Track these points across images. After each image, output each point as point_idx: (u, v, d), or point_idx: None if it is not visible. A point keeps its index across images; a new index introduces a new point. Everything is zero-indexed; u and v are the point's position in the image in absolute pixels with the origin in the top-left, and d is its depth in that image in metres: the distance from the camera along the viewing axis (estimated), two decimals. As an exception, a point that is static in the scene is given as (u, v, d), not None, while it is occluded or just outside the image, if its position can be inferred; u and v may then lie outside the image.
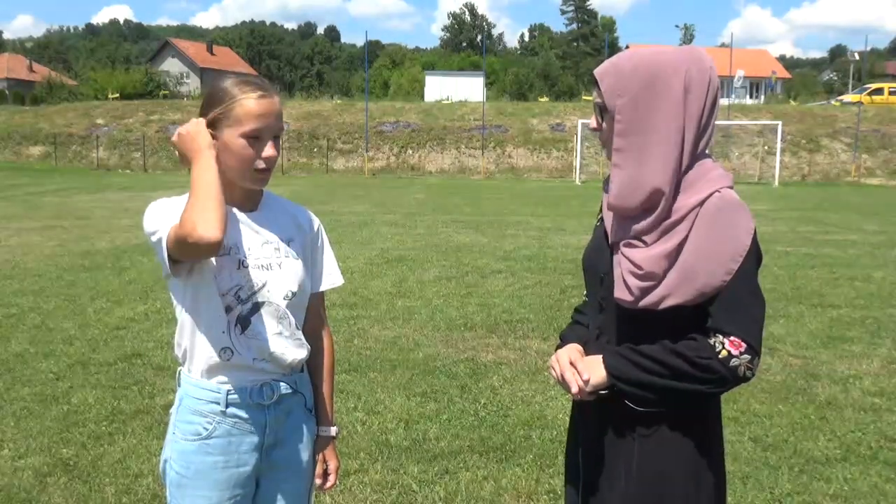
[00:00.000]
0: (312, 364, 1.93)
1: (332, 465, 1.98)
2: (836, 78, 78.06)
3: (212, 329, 1.75)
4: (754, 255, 1.54)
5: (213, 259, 1.72)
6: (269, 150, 1.72)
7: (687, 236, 1.53)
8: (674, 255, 1.53)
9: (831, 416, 4.47)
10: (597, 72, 1.62)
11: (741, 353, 1.49)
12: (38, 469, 3.64)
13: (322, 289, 1.94)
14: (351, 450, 3.87)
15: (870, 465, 3.80)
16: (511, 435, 4.13)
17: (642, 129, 1.54)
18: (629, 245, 1.59)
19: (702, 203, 1.52)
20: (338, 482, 2.03)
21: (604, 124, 1.63)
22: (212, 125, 1.71)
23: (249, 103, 1.68)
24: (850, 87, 53.82)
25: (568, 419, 4.61)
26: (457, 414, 4.44)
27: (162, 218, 1.69)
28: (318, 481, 1.96)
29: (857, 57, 59.36)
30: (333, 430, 1.98)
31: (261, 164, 1.72)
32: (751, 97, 55.08)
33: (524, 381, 5.07)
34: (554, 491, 3.48)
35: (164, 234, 1.66)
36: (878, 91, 45.20)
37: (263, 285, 1.77)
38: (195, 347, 1.78)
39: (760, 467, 3.75)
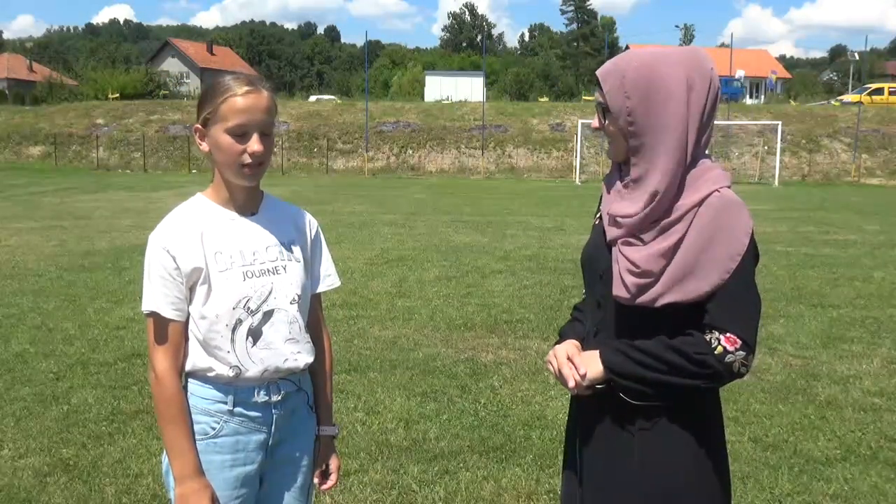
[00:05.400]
0: (312, 365, 1.93)
1: (333, 465, 1.98)
2: (836, 78, 78.08)
3: (218, 350, 1.74)
4: (752, 254, 1.56)
5: (212, 280, 1.73)
6: (253, 145, 1.71)
7: (685, 235, 1.54)
8: (671, 254, 1.55)
9: (831, 416, 4.47)
10: (599, 72, 1.63)
11: (736, 350, 1.52)
12: (38, 469, 3.64)
13: (320, 290, 1.95)
14: (351, 450, 3.87)
15: (870, 465, 3.80)
16: (511, 435, 4.13)
17: (651, 128, 1.56)
18: (627, 243, 1.61)
19: (700, 202, 1.54)
20: (338, 482, 2.03)
21: (607, 124, 1.64)
22: (204, 124, 1.74)
23: (235, 100, 1.70)
24: (850, 87, 53.86)
25: (567, 419, 4.59)
26: (457, 414, 4.44)
27: (158, 290, 1.72)
28: (317, 480, 1.96)
29: (857, 57, 59.39)
30: (334, 430, 1.99)
31: (246, 159, 1.72)
32: (751, 97, 55.07)
33: (524, 381, 5.07)
34: (554, 491, 3.48)
35: (149, 311, 1.73)
36: (878, 91, 45.20)
37: (270, 292, 1.78)
38: (198, 368, 1.76)
39: (760, 467, 3.75)
